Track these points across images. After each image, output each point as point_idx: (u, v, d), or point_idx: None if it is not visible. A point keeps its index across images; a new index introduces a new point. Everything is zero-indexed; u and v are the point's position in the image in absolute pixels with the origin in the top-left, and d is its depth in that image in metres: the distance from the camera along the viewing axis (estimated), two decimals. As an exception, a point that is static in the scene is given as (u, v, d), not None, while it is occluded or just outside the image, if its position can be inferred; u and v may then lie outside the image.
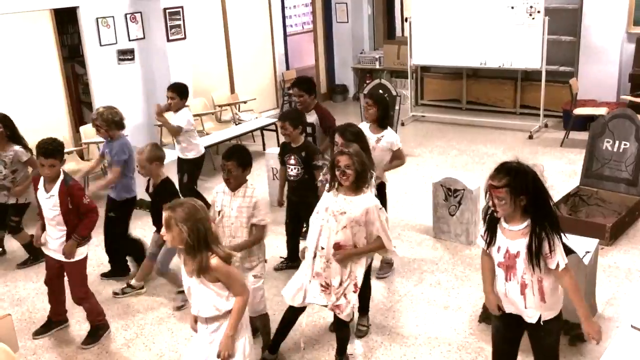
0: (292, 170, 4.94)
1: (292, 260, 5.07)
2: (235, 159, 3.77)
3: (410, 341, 4.26)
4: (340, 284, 3.61)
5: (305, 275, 3.70)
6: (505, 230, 2.96)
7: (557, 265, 2.87)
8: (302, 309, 3.86)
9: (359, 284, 3.65)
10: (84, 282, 4.35)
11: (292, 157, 4.89)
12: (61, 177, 4.10)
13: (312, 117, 5.47)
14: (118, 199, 5.16)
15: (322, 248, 3.58)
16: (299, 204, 4.95)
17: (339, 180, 3.52)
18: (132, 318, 4.76)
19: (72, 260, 4.19)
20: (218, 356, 3.06)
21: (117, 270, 5.38)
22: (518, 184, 2.82)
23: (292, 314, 3.87)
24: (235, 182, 3.81)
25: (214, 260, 2.94)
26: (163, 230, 2.97)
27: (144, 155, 4.54)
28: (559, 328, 3.10)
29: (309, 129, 5.43)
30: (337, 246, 3.54)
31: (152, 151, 4.59)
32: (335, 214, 3.52)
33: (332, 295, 3.63)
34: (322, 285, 3.63)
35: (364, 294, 4.11)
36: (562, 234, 2.91)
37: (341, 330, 3.87)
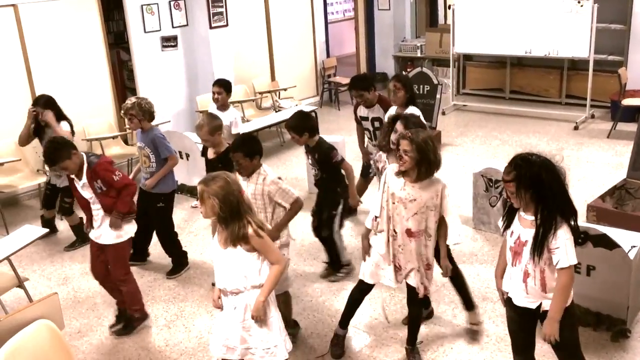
0: (312, 169, 4.93)
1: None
2: (241, 150, 3.77)
3: (448, 332, 4.24)
4: (415, 269, 3.62)
5: (380, 256, 3.69)
6: (521, 218, 2.99)
7: (558, 262, 2.86)
8: (369, 289, 3.87)
9: (432, 263, 3.66)
10: (125, 264, 4.31)
11: (310, 157, 4.83)
12: (85, 162, 4.04)
13: (377, 112, 5.37)
14: (168, 190, 5.13)
15: (395, 232, 3.58)
16: (321, 202, 4.90)
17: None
18: (173, 300, 4.87)
19: (111, 242, 4.16)
20: (252, 318, 3.12)
21: (180, 263, 5.31)
22: (523, 178, 2.84)
23: (360, 293, 3.90)
24: (246, 171, 3.83)
25: (248, 230, 3.03)
26: (198, 202, 3.10)
27: (206, 129, 4.55)
28: (571, 321, 3.05)
29: (376, 124, 5.39)
30: (409, 232, 3.54)
31: (212, 122, 4.62)
32: (403, 201, 3.50)
33: (412, 278, 3.64)
34: (396, 267, 3.65)
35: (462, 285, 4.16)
36: (576, 229, 2.90)
37: (414, 318, 3.86)
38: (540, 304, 2.99)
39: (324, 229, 4.90)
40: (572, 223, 2.89)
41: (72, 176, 4.11)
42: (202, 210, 3.08)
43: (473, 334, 4.15)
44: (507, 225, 3.07)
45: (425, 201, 3.48)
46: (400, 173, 3.51)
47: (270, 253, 3.12)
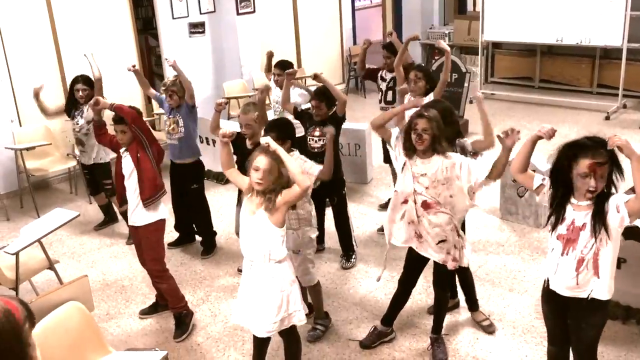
0: (316, 142, 4.79)
1: (319, 242, 5.06)
2: (275, 132, 3.79)
3: (473, 322, 4.21)
4: (443, 241, 3.59)
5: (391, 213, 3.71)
6: (575, 206, 2.91)
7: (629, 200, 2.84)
8: (413, 284, 3.86)
9: (459, 230, 3.62)
10: (160, 260, 4.22)
11: (318, 129, 4.77)
12: None
13: (391, 75, 5.72)
14: (197, 163, 5.26)
15: (415, 202, 3.58)
16: (330, 184, 4.65)
17: (414, 144, 3.47)
18: (199, 285, 4.92)
19: (142, 224, 4.09)
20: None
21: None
22: (613, 158, 2.82)
23: (404, 286, 3.89)
24: None
25: (279, 198, 3.14)
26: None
27: (254, 115, 4.37)
28: (604, 321, 3.00)
29: (390, 83, 5.69)
30: (426, 205, 3.53)
31: (262, 110, 4.57)
32: (415, 176, 3.52)
33: (435, 254, 3.62)
34: (416, 234, 3.63)
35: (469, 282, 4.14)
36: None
37: (440, 303, 3.85)
38: (591, 291, 2.89)
39: (340, 210, 4.94)
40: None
41: (122, 150, 4.14)
42: (260, 180, 3.12)
43: (487, 327, 4.10)
44: (558, 219, 2.94)
45: (435, 173, 3.47)
46: (412, 150, 3.49)
47: (292, 191, 3.15)
